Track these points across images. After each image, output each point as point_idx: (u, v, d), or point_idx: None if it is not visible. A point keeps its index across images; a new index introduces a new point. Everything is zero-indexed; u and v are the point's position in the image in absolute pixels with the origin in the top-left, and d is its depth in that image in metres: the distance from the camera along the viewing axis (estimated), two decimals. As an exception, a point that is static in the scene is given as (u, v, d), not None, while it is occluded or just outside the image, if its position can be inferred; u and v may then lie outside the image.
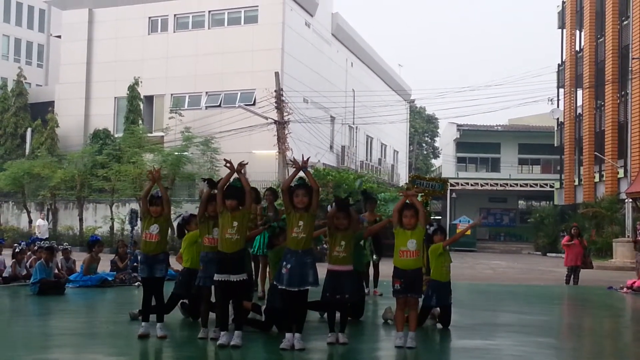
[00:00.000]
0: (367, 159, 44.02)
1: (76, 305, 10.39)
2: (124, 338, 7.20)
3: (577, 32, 38.90)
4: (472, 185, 44.30)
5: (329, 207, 7.23)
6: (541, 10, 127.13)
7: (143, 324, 6.98)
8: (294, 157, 8.12)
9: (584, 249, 16.05)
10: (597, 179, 33.88)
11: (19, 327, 8.13)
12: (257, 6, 33.09)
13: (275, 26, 32.34)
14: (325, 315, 7.45)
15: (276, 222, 8.34)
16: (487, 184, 44.42)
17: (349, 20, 40.56)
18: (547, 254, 34.86)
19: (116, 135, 33.53)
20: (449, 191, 38.70)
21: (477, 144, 51.48)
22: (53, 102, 37.45)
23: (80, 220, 30.19)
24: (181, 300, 8.22)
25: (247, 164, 6.83)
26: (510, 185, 44.20)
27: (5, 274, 12.35)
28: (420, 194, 9.11)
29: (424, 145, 67.88)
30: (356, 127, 40.93)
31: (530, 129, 51.81)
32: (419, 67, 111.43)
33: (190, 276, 7.53)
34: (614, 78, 32.21)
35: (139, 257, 9.31)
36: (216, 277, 6.54)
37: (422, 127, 65.65)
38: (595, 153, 33.69)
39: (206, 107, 33.32)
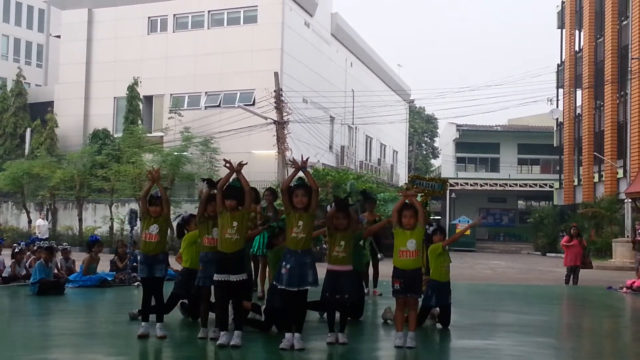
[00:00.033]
0: (366, 159, 44.03)
1: (76, 305, 10.39)
2: (123, 338, 7.19)
3: (577, 32, 38.91)
4: (471, 185, 44.33)
5: (328, 207, 7.23)
6: (540, 10, 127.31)
7: (143, 324, 6.98)
8: (293, 157, 8.12)
9: (584, 249, 16.05)
10: (596, 179, 33.89)
11: (19, 327, 8.13)
12: (257, 6, 33.09)
13: (275, 26, 32.34)
14: (325, 315, 7.45)
15: (275, 222, 8.34)
16: (486, 184, 44.45)
17: (349, 20, 40.61)
18: (547, 254, 34.87)
19: (115, 136, 33.51)
20: (448, 191, 38.70)
21: (476, 144, 51.50)
22: (52, 102, 37.45)
23: (80, 220, 30.17)
24: (181, 300, 8.22)
25: (246, 164, 6.83)
26: (510, 186, 44.23)
27: (4, 274, 12.35)
28: (419, 194, 9.11)
29: (423, 145, 67.88)
30: (355, 127, 40.94)
31: (529, 129, 51.83)
32: (419, 67, 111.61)
33: (189, 276, 7.53)
34: (614, 78, 32.23)
35: (138, 257, 9.32)
36: (216, 277, 6.54)
37: (422, 127, 65.65)
38: (595, 153, 33.71)
39: (205, 107, 33.31)
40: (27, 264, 12.54)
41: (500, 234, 48.13)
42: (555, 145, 41.56)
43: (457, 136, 50.76)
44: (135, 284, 11.95)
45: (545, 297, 13.47)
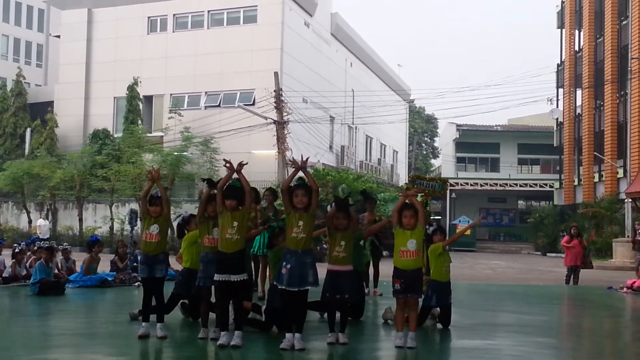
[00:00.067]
0: (366, 159, 44.03)
1: (76, 305, 10.39)
2: (123, 338, 7.19)
3: (577, 32, 38.91)
4: (471, 185, 44.33)
5: (328, 207, 7.23)
6: (540, 10, 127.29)
7: (143, 324, 6.98)
8: (293, 157, 8.12)
9: (584, 249, 16.05)
10: (596, 179, 33.90)
11: (19, 327, 8.13)
12: (257, 6, 33.09)
13: (275, 26, 32.34)
14: (325, 315, 7.45)
15: (276, 222, 8.34)
16: (486, 184, 44.46)
17: (348, 20, 40.61)
18: (547, 254, 34.88)
19: (115, 135, 33.51)
20: (448, 191, 38.70)
21: (476, 144, 51.49)
22: (52, 102, 37.45)
23: (80, 220, 30.18)
24: (181, 301, 8.22)
25: (246, 164, 6.83)
26: (510, 185, 44.23)
27: (5, 274, 12.35)
28: (420, 194, 9.11)
29: (423, 145, 67.88)
30: (355, 127, 40.94)
31: (529, 129, 51.83)
32: (419, 67, 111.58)
33: (190, 276, 7.53)
34: (613, 78, 32.23)
35: (138, 257, 9.33)
36: (216, 277, 6.54)
37: (422, 127, 65.65)
38: (595, 153, 33.71)
39: (205, 107, 33.31)
40: (27, 264, 12.55)
41: (500, 234, 48.13)
42: (555, 145, 41.56)
43: (457, 136, 50.76)
44: (136, 284, 11.95)
45: (546, 297, 13.48)
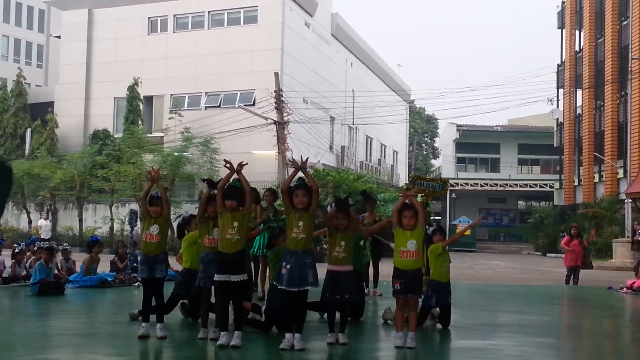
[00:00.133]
0: (366, 160, 44.03)
1: (76, 305, 10.39)
2: (123, 338, 7.19)
3: (577, 32, 38.91)
4: (471, 185, 44.34)
5: (328, 208, 7.23)
6: (540, 10, 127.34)
7: (143, 324, 6.98)
8: (293, 158, 8.12)
9: (584, 249, 16.06)
10: (596, 179, 33.89)
11: (19, 327, 8.13)
12: (257, 6, 33.10)
13: (275, 26, 32.35)
14: (325, 315, 7.45)
15: (276, 223, 8.34)
16: (486, 184, 44.45)
17: (349, 20, 40.61)
18: (547, 254, 34.88)
19: (116, 136, 33.53)
20: (448, 192, 38.69)
21: (476, 145, 51.49)
22: (53, 102, 37.44)
23: (80, 220, 30.18)
24: (181, 301, 8.22)
25: (246, 164, 6.83)
26: (510, 186, 44.23)
27: (5, 275, 12.35)
28: (420, 195, 9.11)
29: (423, 145, 67.89)
30: (356, 128, 40.94)
31: (529, 129, 51.83)
32: (419, 67, 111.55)
33: (190, 276, 7.53)
34: (614, 78, 32.22)
35: (138, 258, 9.32)
36: (216, 277, 6.54)
37: (422, 127, 65.66)
38: (595, 153, 33.70)
39: (206, 108, 33.32)
40: (27, 265, 12.56)
41: (500, 234, 48.14)
42: (555, 145, 41.56)
43: (457, 136, 50.75)
44: (136, 284, 11.95)
45: (546, 297, 13.48)
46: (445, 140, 58.31)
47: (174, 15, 35.13)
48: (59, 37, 39.52)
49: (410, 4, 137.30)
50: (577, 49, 38.64)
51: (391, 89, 48.23)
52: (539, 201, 47.63)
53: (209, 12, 34.38)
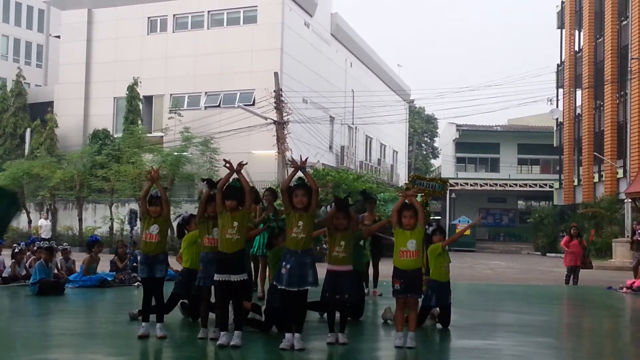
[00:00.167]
0: (366, 159, 44.03)
1: (76, 305, 10.39)
2: (123, 338, 7.19)
3: (577, 32, 38.92)
4: (471, 185, 44.34)
5: (328, 207, 7.23)
6: (540, 10, 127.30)
7: (143, 324, 6.98)
8: (292, 157, 8.11)
9: (584, 249, 16.06)
10: (596, 179, 33.90)
11: (19, 327, 8.13)
12: (256, 6, 33.09)
13: (275, 26, 32.35)
14: (325, 315, 7.45)
15: (275, 223, 8.33)
16: (486, 184, 44.46)
17: (348, 20, 40.60)
18: (547, 254, 34.88)
19: (115, 136, 33.51)
20: (448, 191, 38.69)
21: (476, 144, 51.49)
22: (52, 102, 37.45)
23: (80, 220, 30.18)
24: (181, 301, 8.22)
25: (246, 164, 6.83)
26: (510, 186, 44.23)
27: (4, 274, 12.35)
28: (420, 194, 9.11)
29: (423, 145, 67.89)
30: (355, 127, 40.94)
31: (529, 129, 51.83)
32: (418, 67, 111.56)
33: (190, 276, 7.53)
34: (613, 78, 32.23)
35: (138, 258, 9.32)
36: (216, 277, 6.54)
37: (422, 127, 65.66)
38: (595, 153, 33.71)
39: (205, 107, 33.31)
40: (27, 264, 12.55)
41: (500, 234, 48.14)
42: (555, 145, 41.57)
43: (457, 136, 50.75)
44: (136, 284, 11.95)
45: (545, 297, 13.48)
46: (444, 140, 58.32)
47: (174, 15, 35.12)
48: (58, 36, 39.50)
49: (410, 4, 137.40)
50: (576, 48, 38.65)
51: (391, 89, 48.23)
52: (538, 201, 47.63)
53: (208, 12, 34.37)
